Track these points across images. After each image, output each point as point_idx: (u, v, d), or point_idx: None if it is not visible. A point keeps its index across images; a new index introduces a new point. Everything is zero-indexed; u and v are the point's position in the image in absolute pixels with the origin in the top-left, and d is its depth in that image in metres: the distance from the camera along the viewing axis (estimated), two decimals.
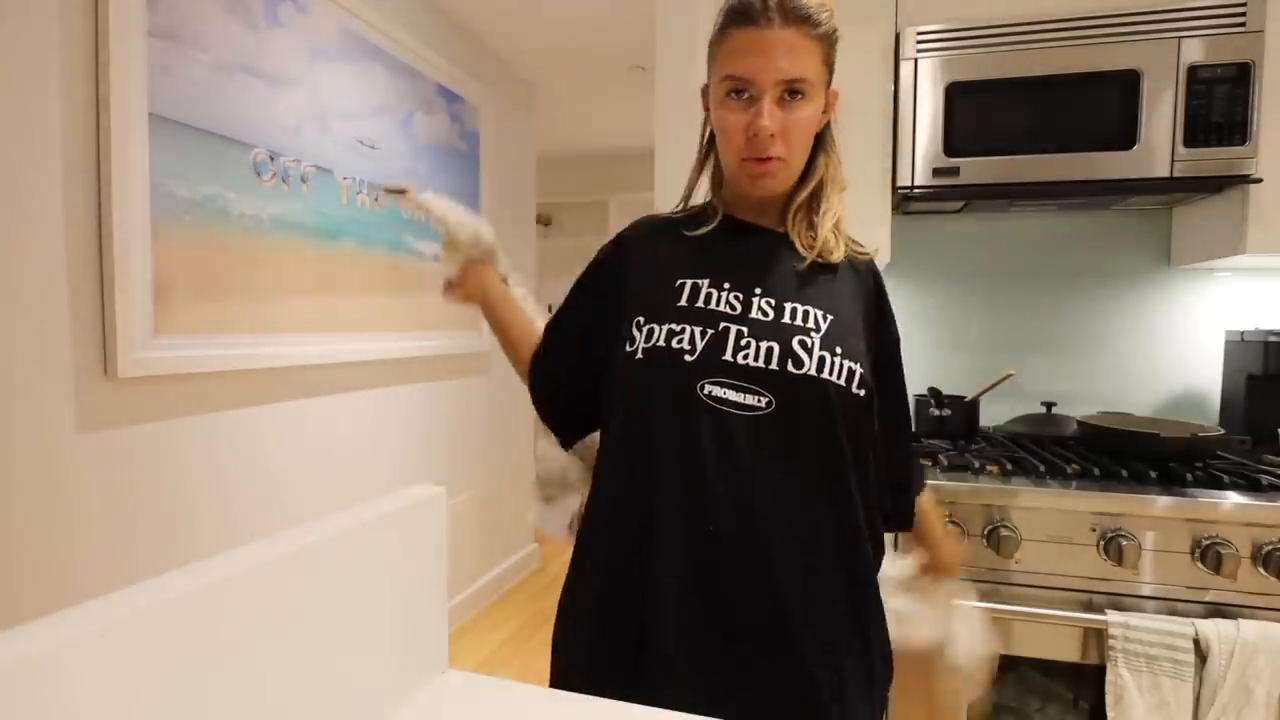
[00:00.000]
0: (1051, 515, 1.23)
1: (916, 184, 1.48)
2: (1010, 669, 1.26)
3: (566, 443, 0.94)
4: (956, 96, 1.45)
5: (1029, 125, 1.42)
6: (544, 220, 4.81)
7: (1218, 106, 1.33)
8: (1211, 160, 1.35)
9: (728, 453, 0.73)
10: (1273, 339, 1.50)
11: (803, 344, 0.74)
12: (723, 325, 0.76)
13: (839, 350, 0.75)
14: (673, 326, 0.76)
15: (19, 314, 1.26)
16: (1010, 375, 1.60)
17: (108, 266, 1.39)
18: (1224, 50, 1.33)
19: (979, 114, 1.45)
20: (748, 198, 0.85)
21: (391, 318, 2.28)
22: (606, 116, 3.84)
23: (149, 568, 1.52)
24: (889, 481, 0.85)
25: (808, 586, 0.74)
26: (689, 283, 0.80)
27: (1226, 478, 1.25)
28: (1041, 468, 1.33)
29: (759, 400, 0.73)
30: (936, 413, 1.64)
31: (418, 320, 2.41)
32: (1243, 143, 1.33)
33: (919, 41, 1.47)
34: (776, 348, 0.74)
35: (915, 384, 1.85)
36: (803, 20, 0.74)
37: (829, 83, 0.81)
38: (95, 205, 1.38)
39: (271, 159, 1.78)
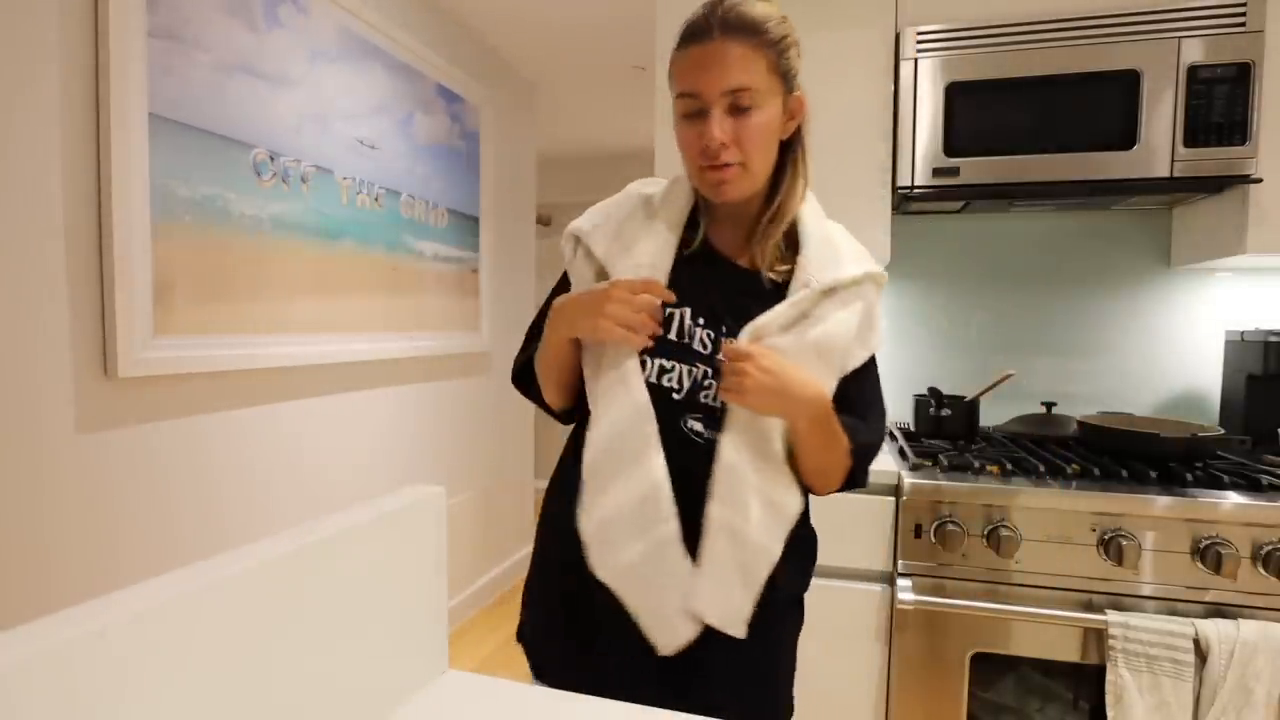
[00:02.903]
0: (1051, 515, 1.23)
1: (916, 184, 1.48)
2: (1010, 669, 1.26)
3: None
4: (956, 96, 1.45)
5: (1029, 125, 1.42)
6: (544, 220, 4.80)
7: (1218, 106, 1.33)
8: (1211, 160, 1.35)
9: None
10: (1273, 339, 1.50)
11: None
12: (698, 364, 0.81)
13: None
14: (664, 363, 0.81)
15: (19, 314, 1.26)
16: (1010, 375, 1.59)
17: (108, 266, 1.39)
18: (1224, 50, 1.33)
19: (979, 114, 1.45)
20: (720, 210, 0.87)
21: (391, 318, 2.28)
22: (606, 116, 3.84)
23: (148, 568, 1.52)
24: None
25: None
26: (675, 313, 0.83)
27: (1226, 478, 1.25)
28: (1041, 468, 1.33)
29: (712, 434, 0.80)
30: (936, 413, 1.64)
31: (418, 320, 2.41)
32: (1243, 143, 1.33)
33: (919, 41, 1.47)
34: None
35: (915, 384, 1.87)
36: (744, 30, 0.77)
37: (788, 90, 0.82)
38: (95, 205, 1.38)
39: (272, 159, 1.77)
